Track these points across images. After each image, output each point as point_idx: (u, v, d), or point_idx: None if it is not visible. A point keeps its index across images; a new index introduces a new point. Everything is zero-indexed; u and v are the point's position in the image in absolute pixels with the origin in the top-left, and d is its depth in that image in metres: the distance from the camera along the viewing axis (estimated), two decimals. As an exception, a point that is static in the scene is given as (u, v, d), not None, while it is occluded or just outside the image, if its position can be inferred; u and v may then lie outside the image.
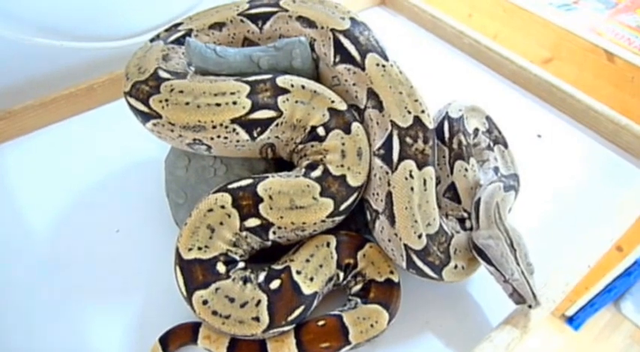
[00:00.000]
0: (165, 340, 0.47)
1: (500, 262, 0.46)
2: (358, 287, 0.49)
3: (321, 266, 0.47)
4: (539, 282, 0.47)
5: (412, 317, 0.51)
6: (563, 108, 0.77)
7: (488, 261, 0.47)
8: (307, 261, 0.47)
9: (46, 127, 0.71)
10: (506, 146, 0.60)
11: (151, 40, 0.56)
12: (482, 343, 0.45)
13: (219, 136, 0.48)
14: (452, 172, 0.53)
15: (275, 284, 0.45)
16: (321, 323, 0.46)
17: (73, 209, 0.61)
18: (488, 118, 0.61)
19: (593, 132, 0.74)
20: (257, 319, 0.43)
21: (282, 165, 0.54)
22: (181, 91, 0.48)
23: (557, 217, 0.62)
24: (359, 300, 0.48)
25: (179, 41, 0.55)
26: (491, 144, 0.59)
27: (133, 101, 0.50)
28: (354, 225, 0.54)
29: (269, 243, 0.49)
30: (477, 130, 0.59)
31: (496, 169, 0.57)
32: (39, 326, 0.50)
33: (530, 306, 0.46)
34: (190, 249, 0.44)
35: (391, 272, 0.49)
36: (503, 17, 1.01)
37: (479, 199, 0.50)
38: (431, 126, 0.50)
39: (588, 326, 1.38)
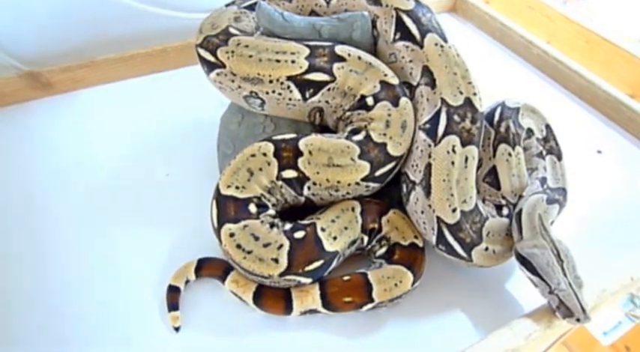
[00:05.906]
0: (202, 263, 0.50)
1: (545, 271, 0.44)
2: (383, 250, 0.49)
3: (346, 228, 0.48)
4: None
5: (435, 297, 0.50)
6: (631, 127, 0.73)
7: (533, 271, 0.45)
8: (333, 221, 0.48)
9: (122, 81, 0.78)
10: (560, 158, 0.57)
11: (227, 5, 0.61)
12: (502, 329, 0.44)
13: (274, 91, 0.51)
14: (494, 155, 0.51)
15: (299, 234, 0.46)
16: (346, 278, 0.47)
17: (134, 151, 0.67)
18: (547, 127, 0.59)
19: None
20: (276, 261, 0.44)
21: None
22: (247, 46, 0.51)
23: (609, 232, 0.59)
24: (384, 261, 0.48)
25: (251, 8, 0.59)
26: (544, 153, 0.57)
27: (202, 51, 0.54)
28: (388, 200, 0.54)
29: (302, 199, 0.50)
30: (530, 131, 0.57)
31: (543, 180, 0.55)
32: (87, 242, 0.55)
33: (578, 320, 0.42)
34: (229, 186, 0.47)
35: (415, 237, 0.49)
36: (584, 48, 0.96)
37: (520, 210, 0.49)
38: (481, 109, 0.49)
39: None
